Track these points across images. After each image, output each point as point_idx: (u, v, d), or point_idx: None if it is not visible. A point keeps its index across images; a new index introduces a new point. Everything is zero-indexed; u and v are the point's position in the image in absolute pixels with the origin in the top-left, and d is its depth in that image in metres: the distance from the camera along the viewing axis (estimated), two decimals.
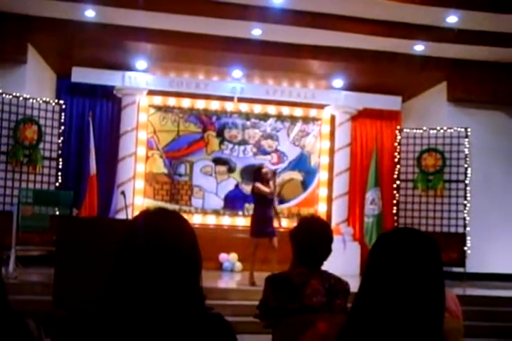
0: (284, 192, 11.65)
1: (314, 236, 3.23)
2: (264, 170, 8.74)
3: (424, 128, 11.19)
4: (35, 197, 8.90)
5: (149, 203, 11.16)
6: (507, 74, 10.76)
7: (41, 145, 9.92)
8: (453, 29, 9.50)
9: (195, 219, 11.27)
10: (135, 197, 11.11)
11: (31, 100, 9.79)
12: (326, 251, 3.28)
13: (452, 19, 9.22)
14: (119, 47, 10.17)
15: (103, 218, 9.71)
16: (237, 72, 11.02)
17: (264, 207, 8.54)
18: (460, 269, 10.06)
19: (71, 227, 6.56)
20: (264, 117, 11.85)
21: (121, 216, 9.50)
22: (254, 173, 8.89)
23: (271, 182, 8.58)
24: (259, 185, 8.49)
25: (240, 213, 11.57)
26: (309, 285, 3.16)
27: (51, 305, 6.21)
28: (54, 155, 10.16)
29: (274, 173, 8.86)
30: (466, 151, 10.89)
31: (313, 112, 12.00)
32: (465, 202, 10.79)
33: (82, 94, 11.24)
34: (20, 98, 9.63)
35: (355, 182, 11.86)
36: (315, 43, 10.06)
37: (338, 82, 11.39)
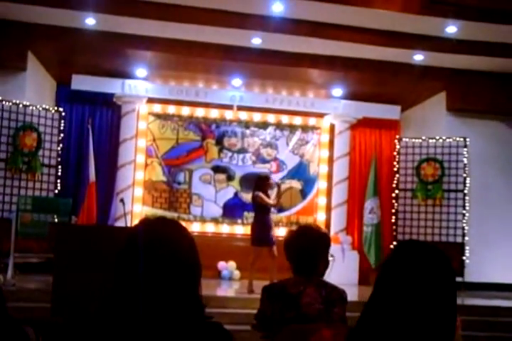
0: (283, 200, 11.61)
1: (305, 244, 3.19)
2: (270, 182, 8.78)
3: (423, 137, 11.20)
4: (34, 204, 8.86)
5: (148, 211, 11.14)
6: (506, 84, 10.79)
7: (40, 153, 9.91)
8: (452, 39, 9.53)
9: (194, 227, 11.24)
10: (134, 205, 11.09)
11: (31, 107, 9.79)
12: (320, 259, 3.24)
13: (451, 29, 9.26)
14: (119, 55, 10.20)
15: (102, 225, 9.68)
16: (237, 81, 11.04)
17: (264, 215, 8.55)
18: (458, 279, 10.04)
19: (70, 235, 6.56)
20: (264, 125, 11.86)
21: (120, 223, 9.47)
22: (257, 182, 8.79)
23: (270, 193, 8.64)
24: (262, 195, 8.48)
25: (239, 221, 11.55)
26: (306, 294, 3.14)
27: (50, 312, 6.21)
28: (53, 162, 10.15)
29: (279, 186, 8.88)
30: (465, 161, 10.90)
31: (312, 121, 12.01)
32: (464, 211, 10.79)
33: (82, 102, 11.24)
34: (20, 105, 9.63)
35: (354, 191, 11.85)
36: (315, 52, 10.08)
37: (338, 91, 11.40)
